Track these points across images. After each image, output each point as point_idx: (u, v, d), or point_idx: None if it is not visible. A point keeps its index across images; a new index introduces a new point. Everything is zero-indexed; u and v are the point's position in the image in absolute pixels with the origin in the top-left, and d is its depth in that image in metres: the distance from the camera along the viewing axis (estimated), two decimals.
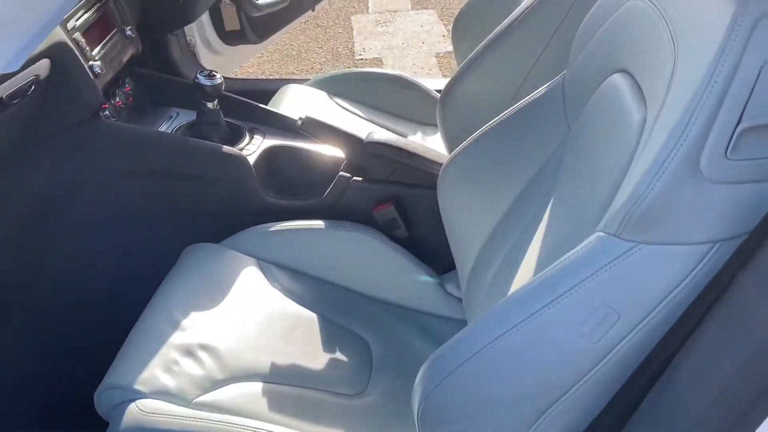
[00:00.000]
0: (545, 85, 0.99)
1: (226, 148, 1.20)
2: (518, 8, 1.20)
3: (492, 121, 1.04)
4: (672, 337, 0.61)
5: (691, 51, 0.61)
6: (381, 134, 1.20)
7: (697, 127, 0.57)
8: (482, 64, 1.22)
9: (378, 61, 3.10)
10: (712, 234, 0.59)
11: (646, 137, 0.66)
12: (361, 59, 3.12)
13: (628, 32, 0.81)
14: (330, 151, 1.27)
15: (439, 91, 1.80)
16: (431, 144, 1.64)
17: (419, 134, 1.68)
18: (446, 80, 1.95)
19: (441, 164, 1.15)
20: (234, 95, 1.34)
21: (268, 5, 1.40)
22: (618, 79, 0.82)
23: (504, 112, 1.03)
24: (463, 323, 1.17)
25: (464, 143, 1.07)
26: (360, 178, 1.22)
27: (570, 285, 0.64)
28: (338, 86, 1.74)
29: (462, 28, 1.62)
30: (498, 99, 1.23)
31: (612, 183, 0.73)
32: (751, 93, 0.56)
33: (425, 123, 1.72)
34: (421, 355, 1.11)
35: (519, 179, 1.01)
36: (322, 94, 1.71)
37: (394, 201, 1.21)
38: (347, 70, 1.78)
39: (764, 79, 0.55)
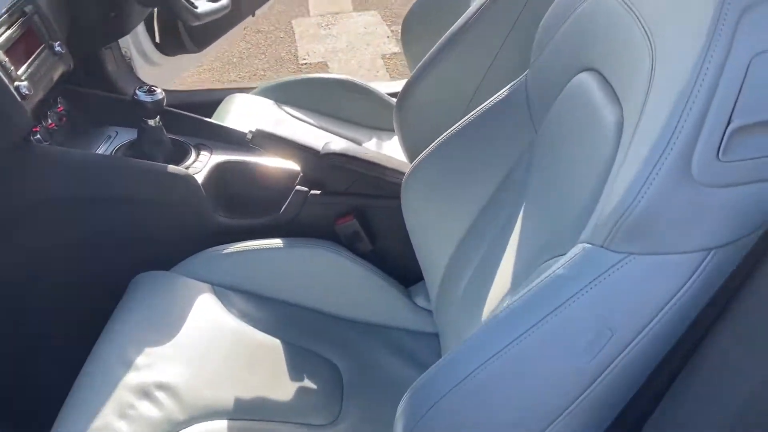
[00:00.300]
0: (507, 87, 0.95)
1: (171, 168, 1.13)
2: (471, 7, 1.16)
3: (454, 126, 1.00)
4: (674, 354, 0.58)
5: (672, 49, 0.57)
6: (338, 144, 1.14)
7: (686, 129, 0.53)
8: (437, 66, 1.18)
9: (323, 65, 3.04)
10: (707, 241, 0.55)
11: (626, 141, 0.62)
12: (306, 64, 3.05)
13: (593, 29, 0.78)
14: (284, 164, 1.20)
15: (390, 95, 1.77)
16: (387, 149, 1.59)
17: (374, 140, 1.62)
18: (396, 83, 1.91)
19: (403, 173, 1.10)
20: (176, 110, 1.26)
21: (210, 13, 1.32)
22: (585, 78, 0.78)
23: (466, 117, 0.98)
24: (435, 336, 1.12)
25: (426, 150, 1.02)
26: (318, 192, 1.16)
27: (558, 302, 0.60)
28: (286, 94, 1.67)
29: (411, 31, 1.58)
30: (456, 101, 1.19)
31: (590, 189, 0.69)
32: (740, 90, 0.52)
33: (379, 128, 1.67)
34: (394, 375, 1.06)
35: (485, 186, 0.97)
36: (269, 103, 1.64)
37: (356, 213, 1.15)
38: (295, 77, 1.71)
39: (753, 74, 0.52)
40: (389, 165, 1.14)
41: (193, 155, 1.20)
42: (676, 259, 0.56)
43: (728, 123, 0.53)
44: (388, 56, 3.08)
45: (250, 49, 3.17)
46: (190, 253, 1.12)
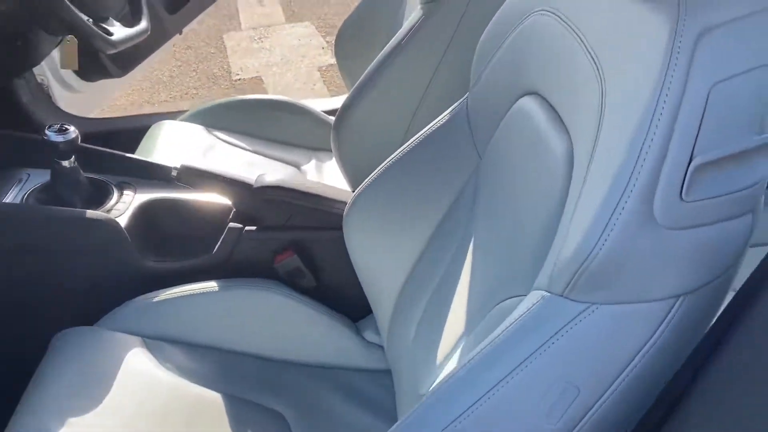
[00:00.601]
0: (448, 111, 0.90)
1: (90, 213, 1.03)
2: (403, 26, 1.11)
3: (396, 153, 0.94)
4: (653, 410, 0.53)
5: (623, 77, 0.53)
6: (272, 176, 1.07)
7: (646, 169, 0.48)
8: (373, 88, 1.12)
9: (258, 80, 2.95)
10: (675, 287, 0.51)
11: (579, 175, 0.57)
12: (240, 79, 2.96)
13: (533, 50, 0.73)
14: (215, 199, 1.12)
15: (327, 112, 1.70)
16: (328, 171, 1.52)
17: (314, 161, 1.55)
18: (333, 99, 1.85)
19: (344, 202, 1.03)
20: (94, 147, 1.16)
21: (127, 39, 1.23)
22: (528, 103, 0.74)
23: (407, 143, 0.93)
24: (387, 373, 1.06)
25: (368, 179, 0.96)
26: (253, 227, 1.09)
27: (520, 358, 0.55)
28: (217, 118, 1.59)
29: (344, 48, 1.52)
30: (395, 124, 1.13)
31: (542, 226, 0.64)
32: (701, 123, 0.48)
33: (318, 148, 1.60)
34: (346, 421, 0.99)
35: (431, 216, 0.91)
36: (199, 129, 1.55)
37: (296, 248, 1.08)
38: (225, 100, 1.62)
39: (714, 105, 0.48)
40: (329, 195, 1.08)
41: (115, 195, 1.11)
42: (642, 308, 0.51)
43: (690, 160, 0.48)
44: (324, 68, 3.01)
45: (180, 66, 3.05)
46: (117, 303, 1.03)
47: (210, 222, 1.11)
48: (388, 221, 0.96)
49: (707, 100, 0.47)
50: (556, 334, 0.53)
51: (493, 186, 0.81)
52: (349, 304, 1.11)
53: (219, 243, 1.08)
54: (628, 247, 0.49)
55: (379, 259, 0.98)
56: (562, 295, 0.54)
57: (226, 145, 1.53)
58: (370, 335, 1.09)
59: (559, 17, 0.67)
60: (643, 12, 0.52)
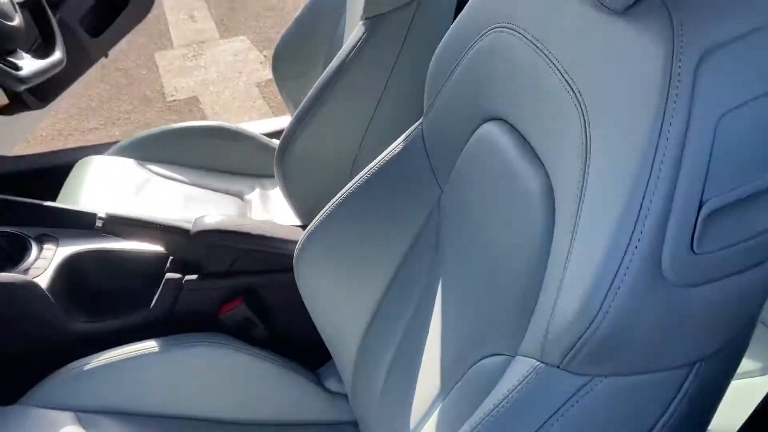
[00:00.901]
0: (401, 138, 0.81)
1: (5, 276, 0.91)
2: (345, 45, 1.02)
3: (349, 186, 0.85)
4: None
5: (612, 112, 0.45)
6: (212, 218, 0.96)
7: (651, 221, 0.41)
8: (316, 114, 1.03)
9: (194, 100, 2.81)
10: (691, 353, 0.43)
11: (564, 223, 0.49)
12: (175, 101, 2.81)
13: (494, 71, 0.65)
14: (149, 246, 1.01)
15: (269, 135, 1.60)
16: (274, 199, 1.42)
17: (258, 190, 1.45)
18: (275, 120, 1.74)
19: (294, 242, 0.94)
20: (6, 198, 1.03)
21: (38, 73, 1.10)
22: (493, 129, 0.66)
23: (360, 174, 0.84)
24: (353, 425, 0.97)
25: (319, 216, 0.87)
26: (194, 276, 0.98)
27: None
28: (149, 150, 1.47)
29: (282, 67, 1.42)
30: (342, 151, 1.04)
31: (523, 274, 0.57)
32: (709, 162, 0.40)
33: (262, 175, 1.50)
34: None
35: (391, 255, 0.83)
36: (130, 163, 1.43)
37: (244, 295, 0.98)
38: (158, 129, 1.50)
39: (723, 139, 0.40)
40: (277, 235, 0.98)
41: (35, 251, 0.98)
42: (654, 379, 0.44)
43: (700, 206, 0.41)
44: (263, 83, 2.90)
45: (110, 90, 2.89)
46: (43, 375, 0.91)
47: (145, 273, 1.00)
48: (343, 261, 0.87)
49: (715, 134, 0.40)
50: (555, 414, 0.45)
51: (459, 222, 0.72)
52: (307, 351, 1.01)
53: (156, 296, 0.97)
54: (635, 312, 0.42)
55: (336, 303, 0.89)
56: (559, 367, 0.46)
57: (161, 179, 1.41)
58: (332, 384, 1.00)
59: (523, 36, 0.60)
60: (627, 32, 0.45)
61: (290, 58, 1.42)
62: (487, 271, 0.64)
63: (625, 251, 0.41)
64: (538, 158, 0.58)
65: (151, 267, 1.00)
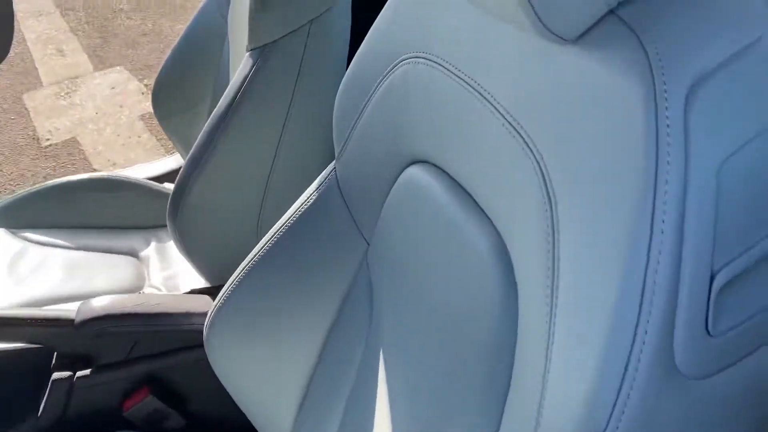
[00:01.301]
0: (314, 188, 0.71)
1: None
2: (234, 76, 0.90)
3: (261, 245, 0.74)
4: None
5: (583, 167, 0.36)
6: (100, 301, 0.82)
7: (659, 302, 0.32)
8: (209, 161, 0.90)
9: (73, 142, 2.58)
10: None
11: (533, 294, 0.40)
12: (50, 145, 2.57)
13: (416, 107, 0.56)
14: (28, 344, 0.85)
15: (159, 178, 1.44)
16: (173, 254, 1.27)
17: (153, 244, 1.29)
18: (164, 161, 1.58)
19: (202, 314, 0.81)
20: None
21: None
22: (420, 174, 0.57)
23: (272, 232, 0.72)
24: None
25: (229, 284, 0.75)
26: (87, 371, 0.83)
27: None
28: (21, 215, 1.28)
29: (164, 105, 1.27)
30: (245, 200, 0.92)
31: (485, 348, 0.47)
32: (715, 222, 0.32)
33: (156, 226, 1.34)
34: None
35: (317, 322, 0.72)
36: (1, 233, 1.24)
37: (150, 384, 0.84)
38: (27, 191, 1.32)
39: (725, 195, 0.32)
40: (181, 309, 0.84)
41: None
42: None
43: (711, 278, 0.32)
44: (147, 116, 2.69)
45: None
46: None
47: (27, 375, 0.84)
48: (262, 334, 0.75)
49: (718, 188, 0.32)
50: None
51: (395, 282, 0.62)
52: None
53: (44, 401, 0.82)
54: (649, 419, 0.33)
55: (259, 380, 0.77)
56: None
57: (39, 247, 1.23)
58: None
59: (444, 67, 0.51)
60: (588, 64, 0.36)
61: (172, 94, 1.27)
62: (438, 342, 0.54)
63: (633, 341, 0.32)
64: (481, 209, 0.49)
65: (34, 367, 0.84)
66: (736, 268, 0.32)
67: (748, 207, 0.33)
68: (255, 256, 0.74)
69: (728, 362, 0.34)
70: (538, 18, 0.35)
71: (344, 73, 0.95)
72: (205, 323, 0.77)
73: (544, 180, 0.39)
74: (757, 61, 0.34)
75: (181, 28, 1.39)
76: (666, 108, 0.32)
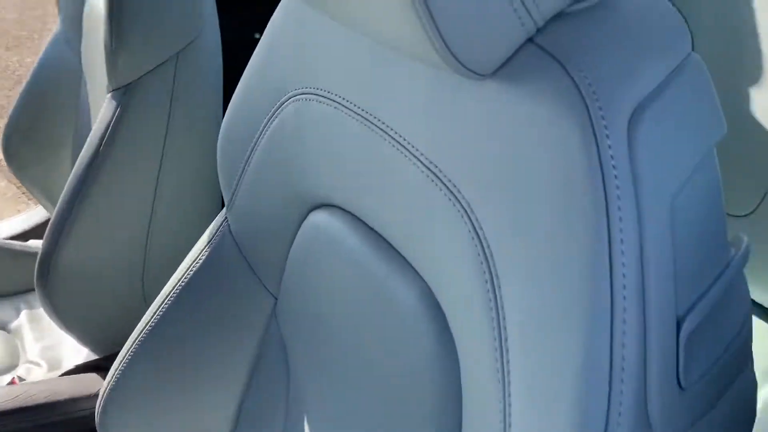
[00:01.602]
0: (205, 240, 0.64)
1: None
2: (96, 124, 0.80)
3: (152, 312, 0.66)
4: None
5: (520, 212, 0.32)
6: None
7: (629, 356, 0.29)
8: (78, 218, 0.80)
9: None
10: None
11: (474, 353, 0.36)
12: None
13: (311, 148, 0.51)
14: None
15: (23, 236, 1.30)
16: (47, 321, 1.13)
17: (24, 313, 1.15)
18: (25, 217, 1.42)
19: (92, 396, 0.72)
20: None
21: None
22: (326, 220, 0.52)
23: (165, 293, 0.65)
24: None
25: (121, 359, 0.66)
26: None
27: None
28: None
29: (17, 154, 1.14)
30: (123, 259, 0.83)
31: (431, 416, 0.43)
32: (675, 266, 0.29)
33: (24, 291, 1.20)
34: None
35: (228, 391, 0.65)
36: None
37: None
38: None
39: (679, 233, 0.30)
40: (65, 395, 0.74)
41: None
42: None
43: (678, 327, 0.29)
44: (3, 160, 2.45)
45: None
46: None
47: None
48: (166, 411, 0.67)
49: (672, 221, 0.29)
50: None
51: (312, 339, 0.57)
52: None
53: None
54: None
55: None
56: None
57: None
58: None
59: (338, 103, 0.45)
60: (510, 98, 0.32)
61: (26, 142, 1.14)
62: (371, 403, 0.49)
63: (608, 403, 0.28)
64: (404, 259, 0.44)
65: None
66: (699, 314, 0.30)
67: (697, 251, 0.30)
68: (147, 324, 0.66)
69: (695, 417, 0.31)
70: (451, 53, 0.31)
71: (220, 104, 0.88)
72: (97, 407, 0.68)
73: (475, 228, 0.35)
74: (689, 80, 0.31)
75: (31, 61, 1.24)
76: (609, 147, 0.28)
